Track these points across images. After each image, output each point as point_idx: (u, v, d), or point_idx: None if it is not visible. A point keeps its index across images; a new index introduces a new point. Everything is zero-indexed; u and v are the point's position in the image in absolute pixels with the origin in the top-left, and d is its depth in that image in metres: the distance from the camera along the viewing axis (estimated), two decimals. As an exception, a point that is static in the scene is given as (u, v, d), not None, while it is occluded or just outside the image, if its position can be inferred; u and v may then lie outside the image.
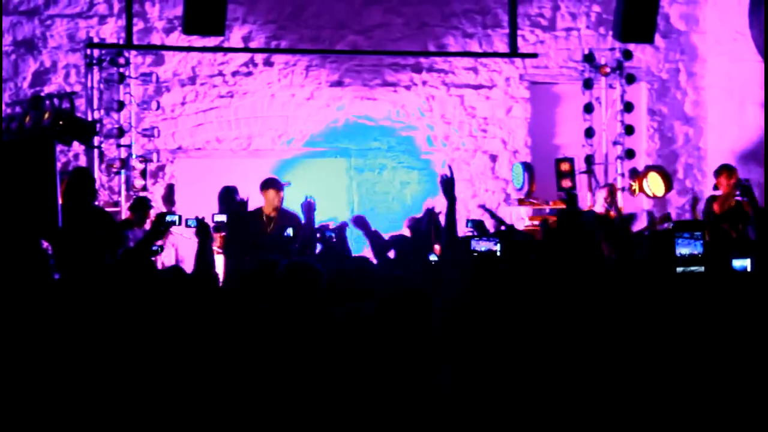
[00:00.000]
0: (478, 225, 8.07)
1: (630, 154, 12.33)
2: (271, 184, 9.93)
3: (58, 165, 9.69)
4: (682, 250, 4.63)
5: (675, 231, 4.71)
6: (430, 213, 7.39)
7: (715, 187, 10.31)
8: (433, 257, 6.70)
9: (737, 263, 5.99)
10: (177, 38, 11.68)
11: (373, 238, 7.41)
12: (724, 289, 4.76)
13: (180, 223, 7.59)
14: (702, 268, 4.61)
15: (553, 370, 3.98)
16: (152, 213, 10.25)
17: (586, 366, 3.98)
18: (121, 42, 11.33)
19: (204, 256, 6.21)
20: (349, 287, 5.31)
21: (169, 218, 7.46)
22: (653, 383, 3.95)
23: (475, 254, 4.52)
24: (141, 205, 10.25)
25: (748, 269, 5.87)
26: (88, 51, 11.38)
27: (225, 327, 4.44)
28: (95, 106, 11.35)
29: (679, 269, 4.59)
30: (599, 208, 10.57)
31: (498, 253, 4.55)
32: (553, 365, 3.99)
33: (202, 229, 6.57)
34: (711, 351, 4.13)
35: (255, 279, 5.53)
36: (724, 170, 10.27)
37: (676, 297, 4.40)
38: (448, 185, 5.57)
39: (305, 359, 4.20)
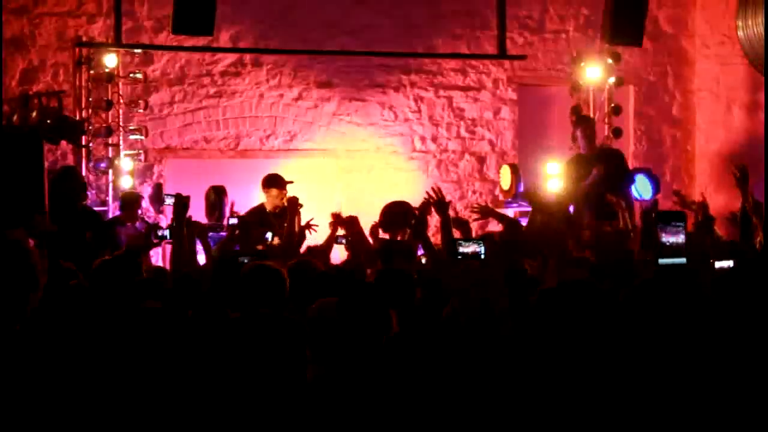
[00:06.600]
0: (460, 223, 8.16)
1: (618, 156, 12.32)
2: (273, 183, 9.86)
3: (46, 164, 9.72)
4: (668, 239, 4.60)
5: (658, 221, 4.68)
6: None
7: None
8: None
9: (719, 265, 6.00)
10: (166, 38, 11.64)
11: None
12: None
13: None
14: (684, 260, 4.59)
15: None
16: (143, 206, 10.26)
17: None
18: (110, 41, 11.32)
19: (179, 233, 6.20)
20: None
21: (161, 233, 7.61)
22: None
23: (460, 257, 4.54)
24: (130, 201, 10.25)
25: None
26: (77, 50, 11.36)
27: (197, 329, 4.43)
28: (83, 105, 11.33)
29: (662, 261, 4.57)
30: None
31: (482, 256, 4.56)
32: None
33: (179, 204, 6.53)
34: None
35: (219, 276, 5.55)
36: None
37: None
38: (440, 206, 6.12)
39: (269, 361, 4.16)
